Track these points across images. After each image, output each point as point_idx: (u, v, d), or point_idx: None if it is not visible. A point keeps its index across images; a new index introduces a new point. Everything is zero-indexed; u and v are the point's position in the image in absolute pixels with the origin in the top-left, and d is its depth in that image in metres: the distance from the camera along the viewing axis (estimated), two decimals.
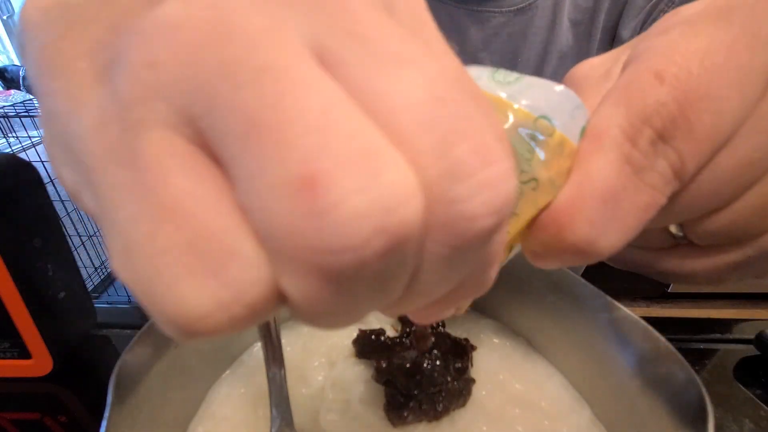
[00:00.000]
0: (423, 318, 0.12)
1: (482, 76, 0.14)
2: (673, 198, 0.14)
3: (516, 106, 0.13)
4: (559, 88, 0.13)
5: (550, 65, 0.49)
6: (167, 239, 0.08)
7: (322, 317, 0.09)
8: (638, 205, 0.13)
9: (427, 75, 0.08)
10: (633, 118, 0.13)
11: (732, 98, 0.12)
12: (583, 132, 0.14)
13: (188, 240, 0.08)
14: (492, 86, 0.13)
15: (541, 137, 0.13)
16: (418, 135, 0.08)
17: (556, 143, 0.13)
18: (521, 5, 0.47)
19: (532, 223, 0.14)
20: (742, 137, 0.13)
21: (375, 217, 0.07)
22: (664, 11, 0.45)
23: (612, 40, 0.49)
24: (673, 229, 0.17)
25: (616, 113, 0.13)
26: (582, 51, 0.49)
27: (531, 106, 0.13)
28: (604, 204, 0.13)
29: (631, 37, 0.46)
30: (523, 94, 0.13)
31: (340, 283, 0.08)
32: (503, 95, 0.13)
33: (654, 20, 0.45)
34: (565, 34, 0.48)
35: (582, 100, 0.14)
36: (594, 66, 0.17)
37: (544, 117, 0.13)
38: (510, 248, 0.15)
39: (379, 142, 0.08)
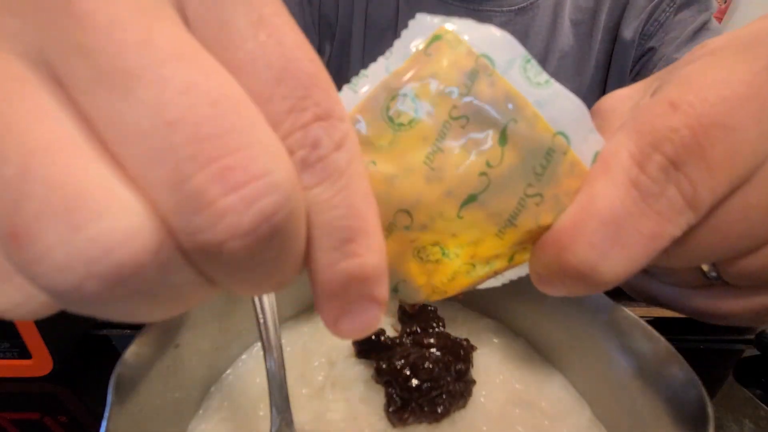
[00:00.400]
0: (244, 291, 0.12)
1: (514, 64, 0.13)
2: (697, 234, 0.13)
3: (543, 118, 0.13)
4: (580, 106, 0.13)
5: (551, 65, 0.49)
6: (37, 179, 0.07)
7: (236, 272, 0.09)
8: (644, 232, 0.12)
9: (161, 95, 0.07)
10: (643, 143, 0.12)
11: (750, 130, 0.12)
12: (595, 158, 0.13)
13: (62, 190, 0.07)
14: (522, 83, 0.13)
15: (556, 154, 0.13)
16: (149, 168, 0.07)
17: (568, 162, 0.13)
18: (522, 5, 0.47)
19: (536, 243, 0.14)
20: None
21: (78, 267, 0.07)
22: (665, 11, 0.45)
23: (613, 40, 0.49)
24: (705, 268, 0.16)
25: (627, 139, 0.13)
26: (583, 51, 0.49)
27: (553, 119, 0.13)
28: (606, 227, 0.12)
29: (633, 37, 0.46)
30: (548, 104, 0.13)
31: (100, 303, 0.08)
32: (531, 100, 0.13)
33: (656, 21, 0.45)
34: (566, 34, 0.48)
35: (609, 131, 0.14)
36: (621, 98, 0.16)
37: (562, 134, 0.13)
38: (510, 258, 0.15)
39: (91, 187, 0.07)
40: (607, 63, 0.51)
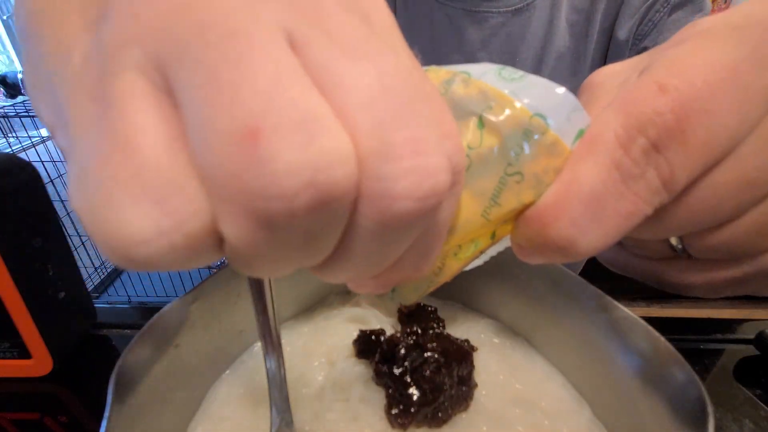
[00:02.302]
0: (359, 287, 0.14)
1: (489, 72, 0.14)
2: (668, 210, 0.14)
3: (517, 103, 0.13)
4: (559, 89, 0.14)
5: (547, 65, 0.49)
6: (117, 167, 0.08)
7: (255, 262, 0.10)
8: (620, 212, 0.13)
9: (380, 68, 0.09)
10: (629, 125, 0.13)
11: (730, 115, 0.12)
12: (580, 135, 0.14)
13: (136, 170, 0.08)
14: (497, 82, 0.14)
15: (534, 135, 0.13)
16: (361, 114, 0.09)
17: (548, 142, 0.13)
18: (519, 6, 0.47)
19: (519, 218, 0.15)
20: (742, 156, 0.13)
21: (306, 173, 0.08)
22: (659, 12, 0.45)
23: (608, 40, 0.49)
24: (673, 241, 0.17)
25: (614, 119, 0.13)
26: (579, 51, 0.49)
27: (530, 105, 0.13)
28: (587, 206, 0.13)
29: (627, 37, 0.47)
30: (524, 92, 0.14)
31: (271, 229, 0.09)
32: (506, 91, 0.14)
33: (650, 21, 0.45)
34: (562, 35, 0.48)
35: (597, 106, 0.14)
36: (612, 73, 0.17)
37: (540, 115, 0.13)
38: (492, 235, 0.15)
39: (321, 112, 0.09)
40: (603, 63, 0.51)
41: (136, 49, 0.09)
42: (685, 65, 0.13)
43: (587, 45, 0.49)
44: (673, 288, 0.18)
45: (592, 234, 0.13)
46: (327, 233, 0.10)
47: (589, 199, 0.13)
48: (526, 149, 0.13)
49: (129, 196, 0.08)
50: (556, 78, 0.53)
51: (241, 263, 0.10)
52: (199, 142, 0.08)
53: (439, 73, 0.15)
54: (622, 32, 0.46)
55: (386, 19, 0.11)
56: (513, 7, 0.47)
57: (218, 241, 0.09)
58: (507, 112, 0.13)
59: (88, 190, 0.09)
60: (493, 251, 0.17)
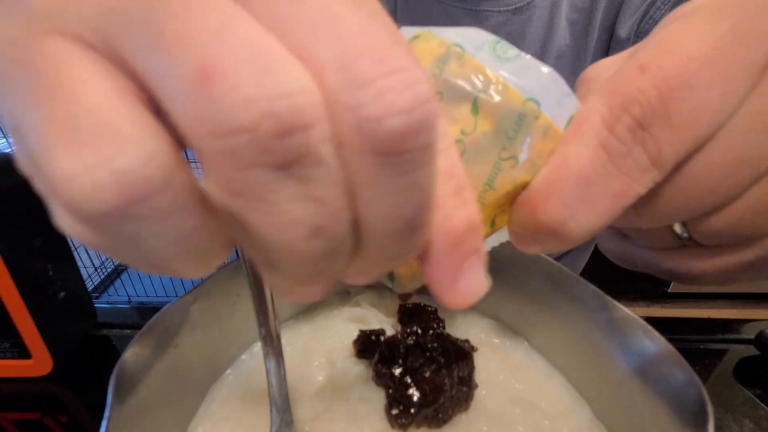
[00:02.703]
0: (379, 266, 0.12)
1: (484, 46, 0.14)
2: (666, 193, 0.14)
3: (511, 86, 0.13)
4: (551, 74, 0.14)
5: (548, 64, 0.50)
6: (53, 114, 0.08)
7: (253, 213, 0.09)
8: (610, 192, 0.13)
9: (323, 1, 0.09)
10: (613, 105, 0.13)
11: (713, 90, 0.12)
12: (571, 120, 0.14)
13: (71, 115, 0.08)
14: (491, 59, 0.14)
15: (527, 119, 0.13)
16: (320, 49, 0.09)
17: (541, 126, 0.14)
18: (519, 4, 0.47)
19: (513, 203, 0.15)
20: (732, 133, 0.13)
21: (262, 102, 0.08)
22: (660, 9, 0.45)
23: (609, 38, 0.49)
24: (677, 228, 0.17)
25: (599, 102, 0.13)
26: (579, 50, 0.49)
27: (523, 88, 0.14)
28: (576, 188, 0.13)
29: (628, 36, 0.46)
30: (518, 75, 0.14)
31: (248, 168, 0.08)
32: (501, 72, 0.14)
33: (651, 18, 0.45)
34: (562, 34, 0.48)
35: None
36: (606, 66, 0.17)
37: (533, 100, 0.13)
38: (491, 222, 0.15)
39: (273, 46, 0.08)
40: None
41: (70, 19, 0.09)
42: (667, 46, 0.13)
43: (588, 43, 0.49)
44: (684, 278, 0.18)
45: (584, 215, 0.13)
46: (321, 178, 0.09)
47: (578, 180, 0.13)
48: (520, 133, 0.14)
49: (62, 139, 0.08)
50: None
51: (244, 216, 0.09)
52: (165, 102, 0.09)
53: (432, 44, 0.14)
54: (623, 30, 0.46)
55: None
56: (513, 6, 0.47)
57: (188, 193, 0.09)
58: (501, 95, 0.13)
59: (28, 142, 0.09)
60: (494, 241, 0.17)
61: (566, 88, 0.14)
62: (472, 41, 0.14)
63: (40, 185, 0.10)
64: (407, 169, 0.09)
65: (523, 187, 0.14)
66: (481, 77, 0.14)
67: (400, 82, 0.09)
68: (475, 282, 0.12)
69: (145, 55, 0.08)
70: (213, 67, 0.08)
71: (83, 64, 0.09)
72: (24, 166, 0.10)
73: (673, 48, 0.13)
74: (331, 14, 0.09)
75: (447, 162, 0.11)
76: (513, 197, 0.15)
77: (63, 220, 0.10)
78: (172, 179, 0.09)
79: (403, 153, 0.09)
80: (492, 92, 0.14)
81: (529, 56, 0.14)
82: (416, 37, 0.14)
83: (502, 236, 0.17)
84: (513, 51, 0.14)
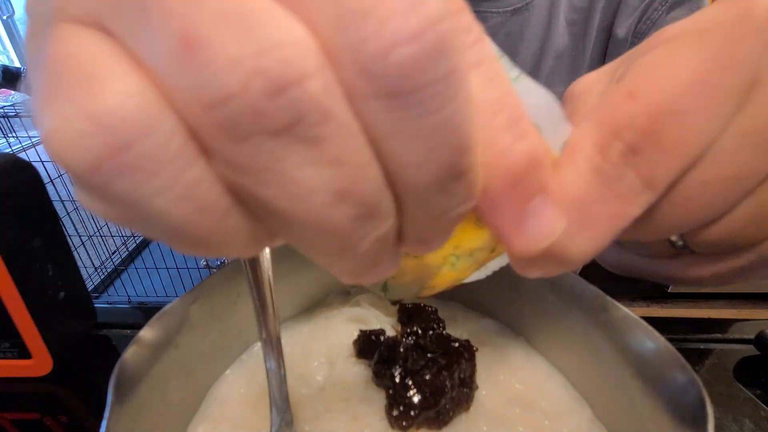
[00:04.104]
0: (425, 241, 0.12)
1: None
2: (662, 210, 0.14)
3: None
4: (549, 97, 0.14)
5: (546, 64, 0.50)
6: (42, 77, 0.08)
7: (264, 186, 0.09)
8: (606, 216, 0.13)
9: None
10: (605, 131, 0.13)
11: (700, 114, 0.13)
12: (564, 145, 0.14)
13: (55, 73, 0.08)
14: None
15: None
16: (316, 6, 0.08)
17: None
18: (518, 5, 0.47)
19: None
20: (722, 152, 0.13)
21: (247, 61, 0.07)
22: (658, 10, 0.45)
23: (607, 39, 0.49)
24: (673, 239, 0.17)
25: (590, 128, 0.14)
26: (578, 50, 0.49)
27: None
28: (573, 213, 0.13)
29: (626, 36, 0.47)
30: (520, 98, 0.13)
31: (248, 138, 0.08)
32: None
33: (648, 19, 0.45)
34: (561, 34, 0.48)
35: (579, 116, 0.15)
36: (591, 82, 0.17)
37: (535, 125, 0.13)
38: (492, 249, 0.15)
39: (260, 4, 0.08)
40: (602, 62, 0.51)
41: (71, 7, 0.09)
42: (652, 72, 0.13)
43: (586, 44, 0.49)
44: (682, 283, 0.18)
45: (582, 240, 0.13)
46: (333, 136, 0.08)
47: (573, 205, 0.13)
48: None
49: (50, 96, 0.08)
50: (554, 77, 0.53)
51: (255, 191, 0.09)
52: (157, 74, 0.08)
53: None
54: (621, 31, 0.47)
55: None
56: (512, 7, 0.47)
57: (182, 140, 0.08)
58: None
59: (34, 106, 0.09)
60: (495, 265, 0.17)
61: (561, 112, 0.14)
62: None
63: None
64: (431, 108, 0.08)
65: None
66: None
67: (402, 3, 0.07)
68: (544, 222, 0.12)
69: (134, 33, 0.08)
70: (195, 34, 0.07)
71: (75, 34, 0.09)
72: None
73: (658, 75, 0.13)
74: None
75: (493, 92, 0.10)
76: None
77: (77, 193, 0.09)
78: (157, 121, 0.08)
79: (420, 89, 0.08)
80: None
81: (529, 78, 0.14)
82: None
83: (502, 261, 0.17)
84: (514, 72, 0.14)
